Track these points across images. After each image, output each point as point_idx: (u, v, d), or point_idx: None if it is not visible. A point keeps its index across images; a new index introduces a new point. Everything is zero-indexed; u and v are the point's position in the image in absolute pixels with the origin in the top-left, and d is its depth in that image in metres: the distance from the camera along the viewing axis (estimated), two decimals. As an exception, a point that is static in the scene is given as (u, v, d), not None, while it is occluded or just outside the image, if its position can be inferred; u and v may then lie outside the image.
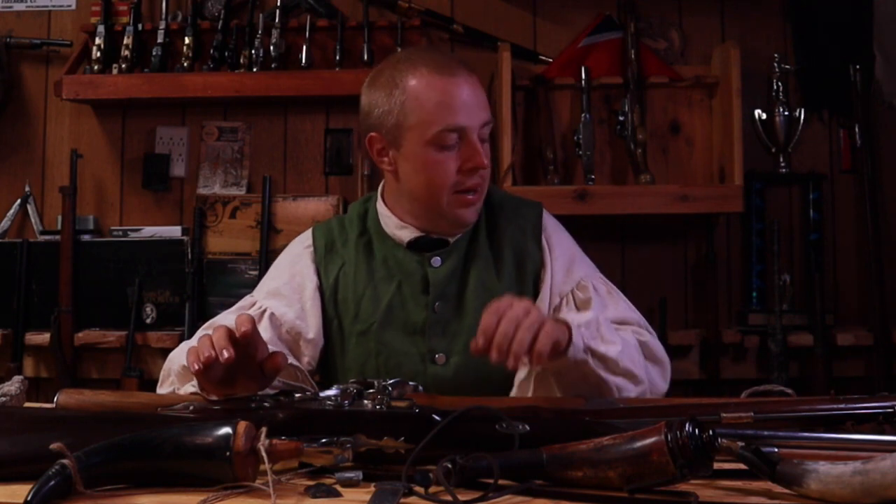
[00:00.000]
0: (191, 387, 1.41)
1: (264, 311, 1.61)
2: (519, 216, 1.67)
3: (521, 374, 1.48)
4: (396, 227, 1.64)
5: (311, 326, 1.61)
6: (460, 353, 1.57)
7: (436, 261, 1.61)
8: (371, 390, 1.11)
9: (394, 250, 1.63)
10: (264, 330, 1.56)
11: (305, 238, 1.71)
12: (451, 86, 1.54)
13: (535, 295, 1.61)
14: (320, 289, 1.64)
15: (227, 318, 1.54)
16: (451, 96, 1.53)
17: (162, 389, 1.53)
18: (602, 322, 1.47)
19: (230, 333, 1.18)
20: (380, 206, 1.67)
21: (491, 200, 1.67)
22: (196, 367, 1.17)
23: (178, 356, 1.50)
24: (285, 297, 1.63)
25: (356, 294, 1.62)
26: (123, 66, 2.81)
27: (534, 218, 1.68)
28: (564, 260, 1.64)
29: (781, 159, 2.76)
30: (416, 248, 1.63)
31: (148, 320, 2.73)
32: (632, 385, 1.45)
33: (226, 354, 1.15)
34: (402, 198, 1.63)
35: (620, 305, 1.63)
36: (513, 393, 1.51)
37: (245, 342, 1.18)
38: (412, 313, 1.60)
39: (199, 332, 1.57)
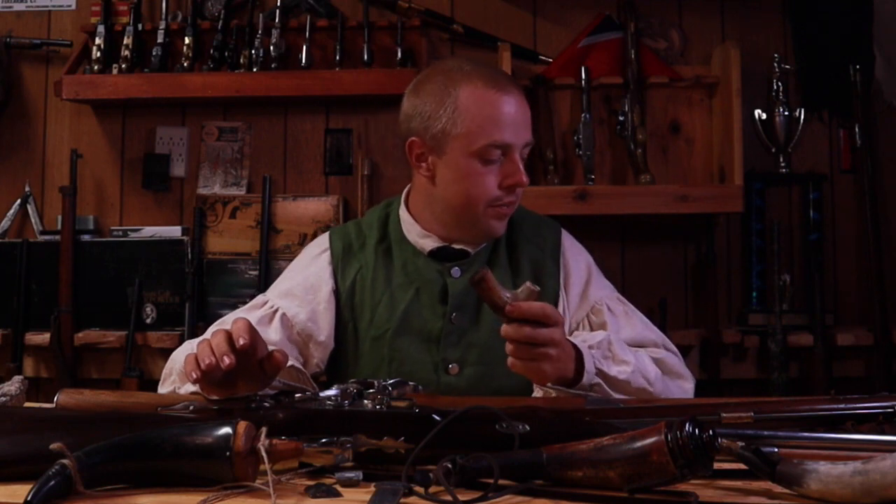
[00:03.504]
0: (192, 386, 1.40)
1: (276, 310, 1.61)
2: (538, 235, 1.69)
3: (537, 392, 1.47)
4: (419, 235, 1.65)
5: (323, 329, 1.62)
6: (474, 363, 1.58)
7: (455, 271, 1.62)
8: (371, 390, 1.11)
9: (414, 257, 1.64)
10: (275, 330, 1.58)
11: (322, 241, 1.71)
12: (502, 102, 1.55)
13: None
14: (336, 292, 1.65)
15: (238, 316, 1.53)
16: (501, 112, 1.54)
17: (163, 388, 1.53)
18: (614, 341, 1.48)
19: (230, 338, 1.18)
20: (403, 212, 1.68)
21: (511, 216, 1.67)
22: (195, 375, 1.17)
23: (181, 355, 1.50)
24: (298, 298, 1.63)
25: (373, 299, 1.63)
26: (123, 66, 2.81)
27: (553, 238, 1.69)
28: (580, 286, 1.66)
29: (781, 159, 2.76)
30: (436, 258, 1.64)
31: (148, 320, 2.73)
32: None
33: (227, 361, 1.14)
34: (435, 204, 1.63)
35: (637, 326, 1.63)
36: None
37: (244, 351, 1.17)
38: (428, 322, 1.61)
39: (212, 329, 1.55)
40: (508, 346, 1.33)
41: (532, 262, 1.65)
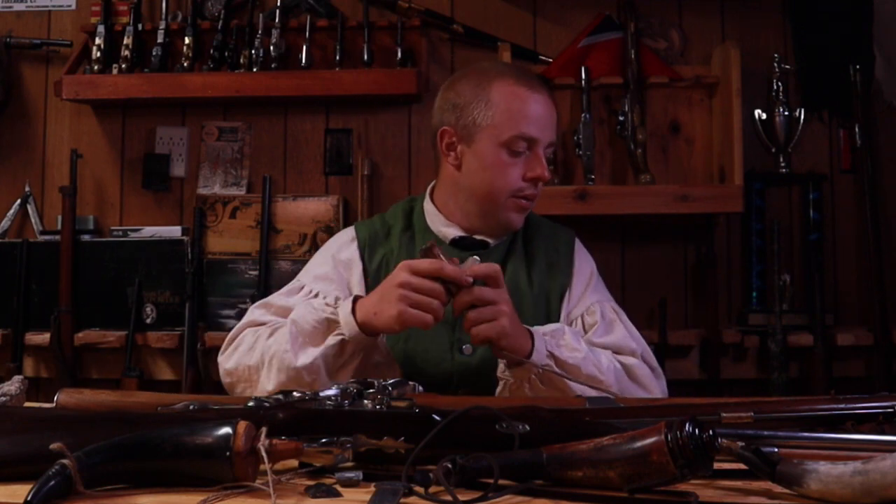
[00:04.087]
0: (332, 338, 1.49)
1: (316, 294, 1.68)
2: (554, 237, 1.79)
3: (501, 366, 1.55)
4: (442, 224, 1.73)
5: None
6: (486, 346, 1.62)
7: (475, 259, 1.66)
8: (371, 390, 1.11)
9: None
10: None
11: (348, 231, 1.81)
12: (531, 100, 1.66)
13: (558, 307, 1.70)
14: (364, 272, 1.73)
15: (280, 300, 1.68)
16: (529, 108, 1.66)
17: (303, 356, 1.52)
18: (568, 331, 1.57)
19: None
20: (427, 204, 1.77)
21: (528, 219, 1.76)
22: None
23: (302, 317, 1.54)
24: (334, 282, 1.71)
25: None
26: (123, 66, 2.81)
27: (568, 241, 1.79)
28: (581, 287, 1.75)
29: (781, 159, 2.76)
30: (458, 247, 1.71)
31: (148, 320, 2.73)
32: (596, 391, 1.50)
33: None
34: (459, 194, 1.72)
35: (618, 333, 1.69)
36: (499, 389, 1.57)
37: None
38: (446, 304, 1.64)
39: (258, 311, 1.67)
40: (467, 321, 1.44)
41: (547, 257, 1.74)
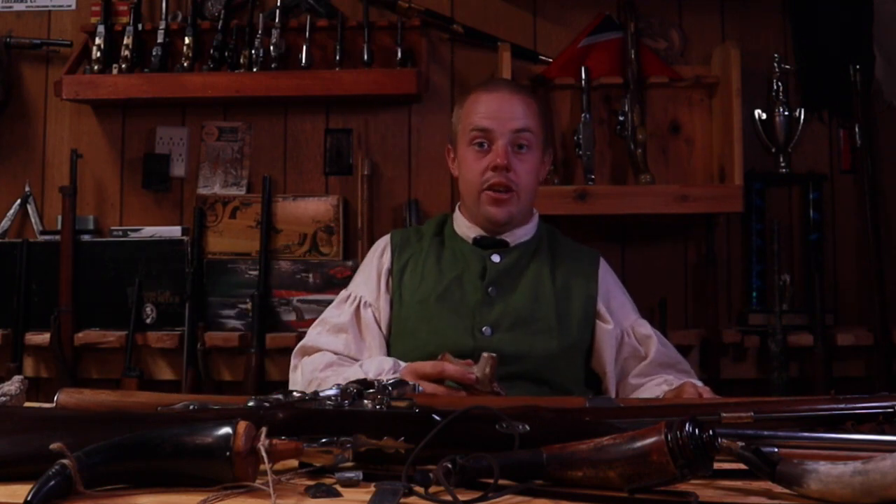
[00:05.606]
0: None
1: (359, 299, 1.87)
2: (579, 253, 1.94)
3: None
4: (466, 227, 1.92)
5: (383, 298, 1.89)
6: (505, 329, 1.78)
7: (495, 257, 1.86)
8: (371, 390, 1.11)
9: (462, 246, 1.90)
10: (366, 315, 1.86)
11: (384, 238, 2.00)
12: (486, 98, 1.86)
13: (582, 316, 1.84)
14: (391, 270, 1.91)
15: (333, 317, 1.85)
16: (484, 105, 1.85)
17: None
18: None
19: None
20: (456, 213, 1.97)
21: (555, 236, 1.96)
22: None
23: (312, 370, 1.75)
24: (372, 283, 1.90)
25: (423, 274, 1.88)
26: (123, 66, 2.81)
27: (592, 260, 1.94)
28: (620, 300, 1.92)
29: (781, 159, 2.76)
30: (479, 245, 1.89)
31: (148, 320, 2.73)
32: None
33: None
34: (463, 199, 1.93)
35: (670, 345, 1.89)
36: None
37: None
38: (468, 294, 1.83)
39: (314, 332, 1.86)
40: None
41: (572, 263, 1.89)
